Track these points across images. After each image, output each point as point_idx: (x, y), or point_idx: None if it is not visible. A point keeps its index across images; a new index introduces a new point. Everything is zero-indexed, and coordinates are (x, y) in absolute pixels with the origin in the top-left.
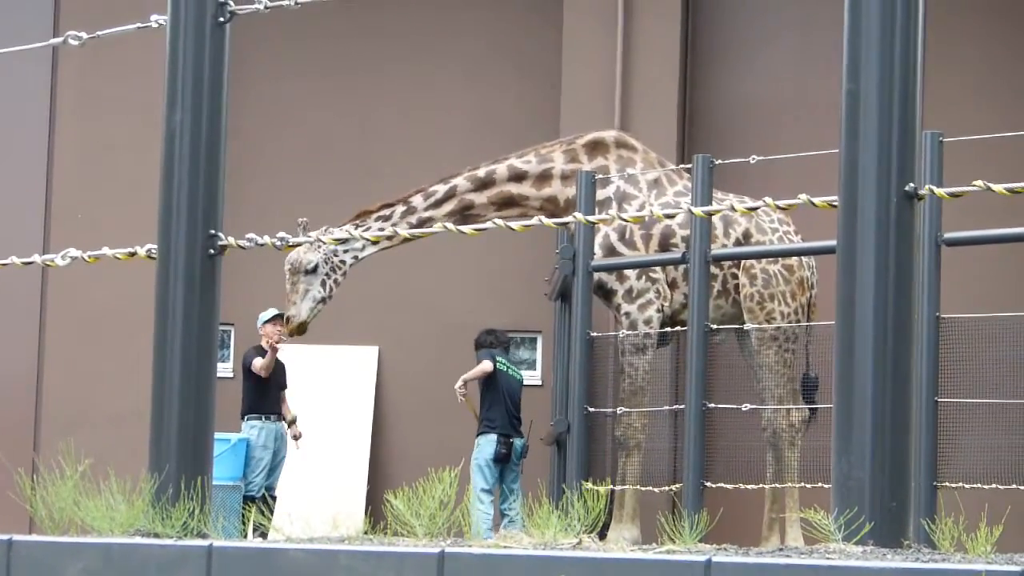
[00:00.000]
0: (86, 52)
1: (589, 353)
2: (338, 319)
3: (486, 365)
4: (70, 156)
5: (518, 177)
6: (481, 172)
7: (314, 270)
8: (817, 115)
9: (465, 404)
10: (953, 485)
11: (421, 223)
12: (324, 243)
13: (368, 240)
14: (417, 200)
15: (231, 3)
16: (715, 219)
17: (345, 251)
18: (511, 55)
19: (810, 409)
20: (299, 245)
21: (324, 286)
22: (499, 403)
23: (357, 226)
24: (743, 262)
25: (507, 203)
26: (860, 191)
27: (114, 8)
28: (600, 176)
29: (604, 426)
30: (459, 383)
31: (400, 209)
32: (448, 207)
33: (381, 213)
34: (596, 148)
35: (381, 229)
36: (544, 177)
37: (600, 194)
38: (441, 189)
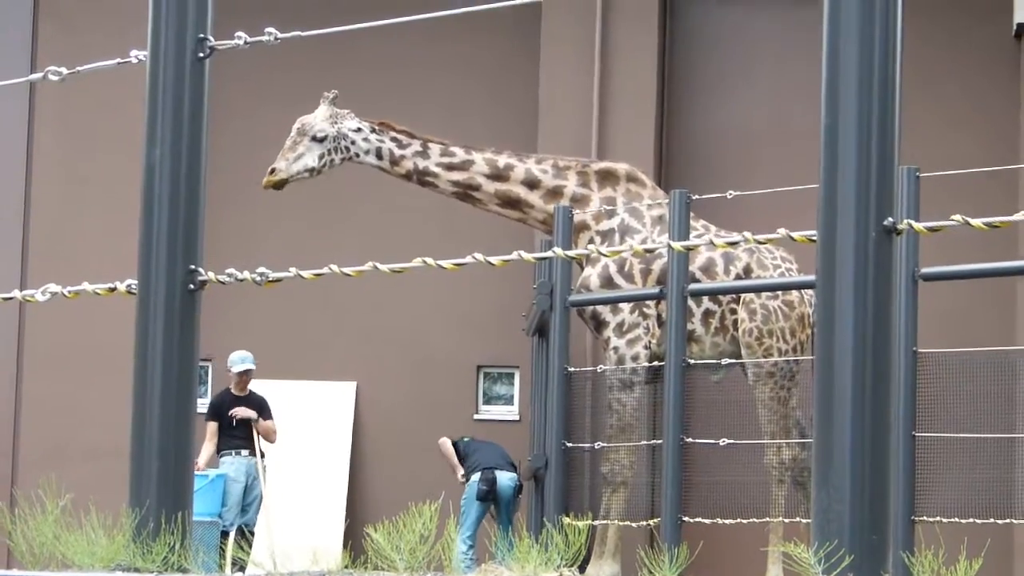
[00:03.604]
0: (64, 87)
1: (567, 388)
2: (316, 354)
3: (443, 442)
4: (48, 191)
5: (531, 184)
6: (501, 162)
7: (321, 140)
8: (793, 148)
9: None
10: (931, 519)
11: (424, 172)
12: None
13: (373, 152)
14: (434, 149)
15: (211, 39)
16: (716, 254)
17: (352, 142)
18: (489, 87)
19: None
20: (279, 280)
21: (320, 159)
22: (479, 449)
23: (374, 129)
24: (743, 297)
25: (511, 204)
26: (839, 225)
27: (91, 44)
28: (603, 207)
29: (582, 461)
30: (459, 475)
31: (416, 147)
32: (455, 176)
33: (398, 136)
34: (607, 178)
35: (391, 150)
36: (554, 193)
37: (604, 225)
38: (459, 155)
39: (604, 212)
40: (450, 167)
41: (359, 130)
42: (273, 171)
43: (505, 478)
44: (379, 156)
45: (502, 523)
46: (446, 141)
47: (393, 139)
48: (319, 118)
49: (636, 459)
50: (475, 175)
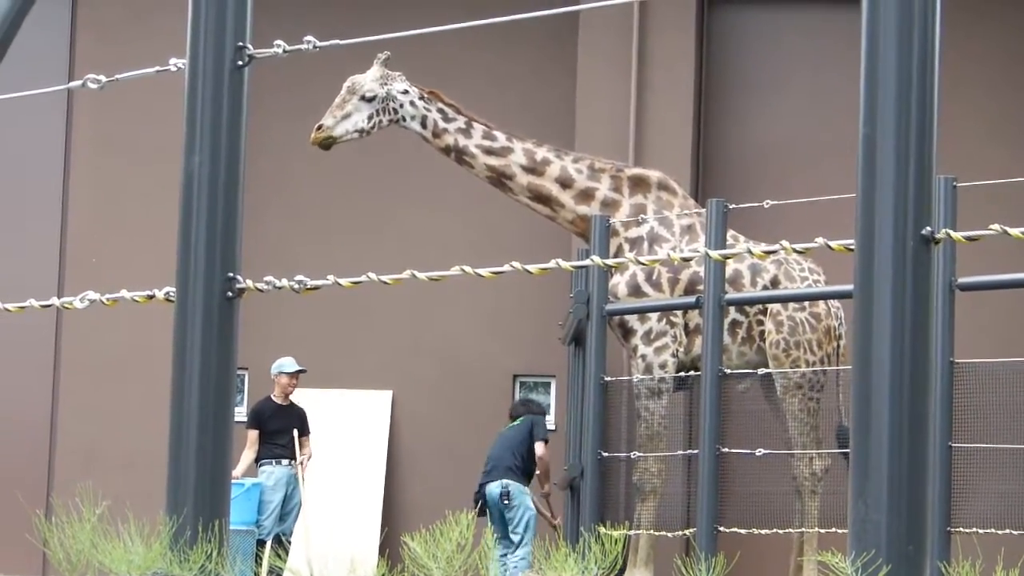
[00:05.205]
0: (102, 96)
1: (603, 397)
2: (352, 363)
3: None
4: (85, 198)
5: (564, 182)
6: (538, 155)
7: (370, 100)
8: (830, 158)
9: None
10: (967, 530)
11: (463, 151)
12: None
13: (419, 119)
14: (477, 130)
15: (250, 47)
16: (743, 266)
17: (400, 105)
18: (525, 97)
19: (845, 459)
20: (317, 288)
21: (369, 120)
22: (488, 457)
23: (422, 96)
24: (770, 309)
25: (542, 199)
26: (876, 235)
27: (129, 53)
28: (640, 216)
29: (618, 471)
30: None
31: (460, 123)
32: (492, 161)
33: (445, 108)
34: (639, 184)
35: (436, 121)
36: (586, 195)
37: (633, 232)
38: (500, 140)
39: (634, 220)
40: (489, 151)
41: (407, 92)
42: (320, 127)
43: (492, 488)
44: (423, 124)
45: (497, 535)
46: (491, 124)
47: (439, 110)
48: (369, 78)
49: (665, 467)
50: (511, 164)
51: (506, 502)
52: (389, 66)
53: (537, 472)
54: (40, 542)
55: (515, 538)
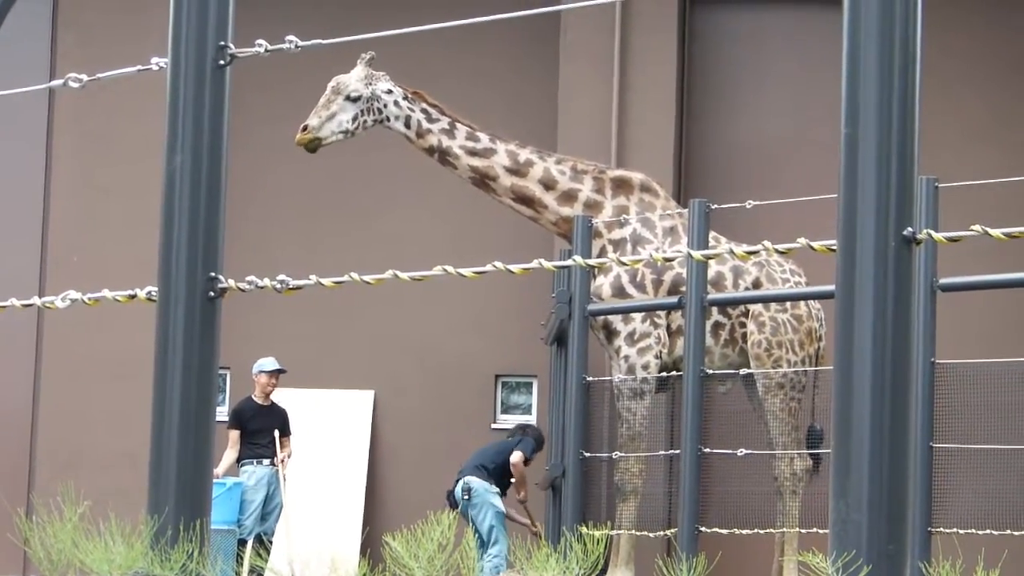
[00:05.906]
0: (83, 94)
1: (585, 398)
2: (333, 363)
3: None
4: (67, 198)
5: (547, 184)
6: (521, 157)
7: (355, 100)
8: (812, 158)
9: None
10: (948, 530)
11: (446, 151)
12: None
13: (403, 119)
14: (460, 131)
15: (231, 46)
16: (725, 268)
17: (384, 105)
18: (507, 98)
19: (814, 460)
20: (299, 288)
21: (354, 120)
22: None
23: (406, 96)
24: (752, 310)
25: (525, 201)
26: (858, 235)
27: (110, 54)
28: (622, 217)
29: (600, 471)
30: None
31: (444, 123)
32: (475, 162)
33: (429, 108)
34: (621, 186)
35: (420, 122)
36: (569, 197)
37: (616, 234)
38: (483, 141)
39: (616, 221)
40: (472, 152)
41: (391, 92)
42: (305, 128)
43: (457, 487)
44: (407, 125)
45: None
46: (475, 125)
47: (423, 110)
48: (354, 78)
49: (646, 468)
50: (495, 165)
51: (467, 497)
52: (373, 66)
53: (512, 480)
54: (21, 541)
55: (482, 532)
